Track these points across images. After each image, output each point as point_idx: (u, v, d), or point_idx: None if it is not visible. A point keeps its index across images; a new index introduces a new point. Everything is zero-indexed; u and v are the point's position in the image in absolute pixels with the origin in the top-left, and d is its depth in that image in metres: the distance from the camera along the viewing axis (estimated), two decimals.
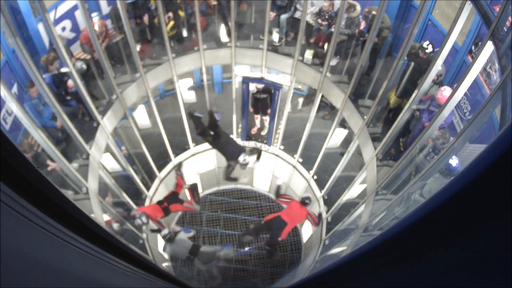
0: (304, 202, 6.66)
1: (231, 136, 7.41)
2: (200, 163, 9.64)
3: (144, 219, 6.37)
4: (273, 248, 7.07)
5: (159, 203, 6.92)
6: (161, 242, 8.87)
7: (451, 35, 4.37)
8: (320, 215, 6.83)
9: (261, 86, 7.90)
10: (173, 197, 7.04)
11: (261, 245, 8.30)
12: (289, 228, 6.61)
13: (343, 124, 8.01)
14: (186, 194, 8.62)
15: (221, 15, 8.05)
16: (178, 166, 7.38)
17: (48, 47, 6.62)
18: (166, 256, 8.81)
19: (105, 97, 6.73)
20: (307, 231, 9.43)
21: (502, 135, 0.68)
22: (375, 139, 6.23)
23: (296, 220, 6.69)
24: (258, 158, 7.24)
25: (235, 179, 7.19)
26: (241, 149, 6.84)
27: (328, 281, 1.43)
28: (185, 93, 9.74)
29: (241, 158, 6.65)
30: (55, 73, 5.89)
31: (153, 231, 7.27)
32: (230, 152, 6.82)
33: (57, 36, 5.13)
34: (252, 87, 8.01)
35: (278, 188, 6.86)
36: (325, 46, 7.30)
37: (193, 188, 7.36)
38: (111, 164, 7.44)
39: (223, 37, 7.86)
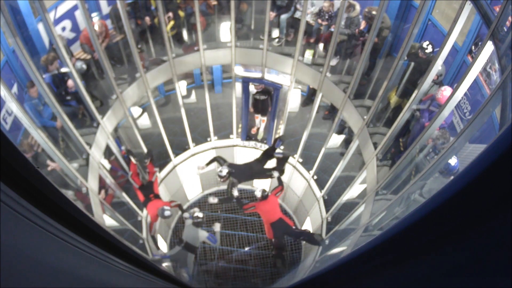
0: (264, 196, 6.59)
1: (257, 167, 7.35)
2: (200, 163, 9.63)
3: (166, 207, 6.63)
4: (280, 251, 7.06)
5: (148, 200, 6.99)
6: (162, 245, 8.86)
7: (451, 35, 4.37)
8: (279, 179, 6.87)
9: (260, 87, 7.90)
10: (145, 188, 7.12)
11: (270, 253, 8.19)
12: (286, 219, 6.68)
13: (342, 126, 8.03)
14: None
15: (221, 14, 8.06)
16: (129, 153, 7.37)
17: (48, 47, 6.62)
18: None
19: (105, 97, 6.73)
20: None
21: (502, 135, 0.68)
22: (375, 139, 6.23)
23: (276, 209, 6.69)
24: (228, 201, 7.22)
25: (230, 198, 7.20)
26: (245, 177, 6.99)
27: (328, 281, 1.43)
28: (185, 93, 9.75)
29: (219, 172, 6.77)
30: (55, 73, 5.89)
31: (182, 211, 7.50)
32: (240, 172, 6.94)
33: (57, 36, 5.13)
34: (252, 88, 8.00)
35: (238, 200, 6.83)
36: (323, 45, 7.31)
37: (152, 158, 7.40)
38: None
39: (223, 37, 7.86)
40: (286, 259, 7.20)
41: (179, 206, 7.45)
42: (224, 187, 10.54)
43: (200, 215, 6.81)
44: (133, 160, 7.15)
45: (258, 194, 6.57)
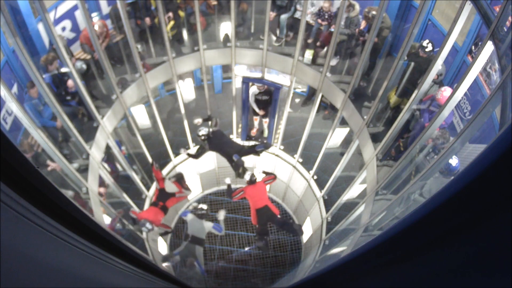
0: (252, 181, 6.57)
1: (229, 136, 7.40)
2: (200, 163, 9.64)
3: (148, 225, 6.41)
4: (262, 236, 6.98)
5: (155, 204, 6.88)
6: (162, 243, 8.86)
7: (451, 35, 4.37)
8: (268, 173, 6.86)
9: (263, 87, 7.88)
10: (163, 194, 7.02)
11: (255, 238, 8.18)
12: (272, 207, 6.67)
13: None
14: (173, 186, 8.52)
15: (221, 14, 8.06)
16: (153, 162, 7.29)
17: (48, 47, 6.62)
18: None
19: (105, 97, 6.72)
20: (307, 231, 9.43)
21: (502, 135, 0.68)
22: (375, 139, 6.23)
23: (264, 196, 6.68)
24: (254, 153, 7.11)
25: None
26: (218, 150, 6.97)
27: (328, 281, 1.43)
28: (185, 92, 9.74)
29: (199, 130, 6.77)
30: (55, 73, 5.89)
31: (161, 235, 7.30)
32: (217, 142, 6.90)
33: (57, 36, 5.13)
34: (254, 88, 7.99)
35: (229, 187, 6.82)
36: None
37: (178, 179, 7.35)
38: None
39: (223, 37, 7.86)
40: (268, 244, 7.15)
41: (165, 232, 7.35)
42: (224, 186, 10.54)
43: (205, 207, 6.85)
44: (155, 167, 7.16)
45: (247, 177, 6.58)
